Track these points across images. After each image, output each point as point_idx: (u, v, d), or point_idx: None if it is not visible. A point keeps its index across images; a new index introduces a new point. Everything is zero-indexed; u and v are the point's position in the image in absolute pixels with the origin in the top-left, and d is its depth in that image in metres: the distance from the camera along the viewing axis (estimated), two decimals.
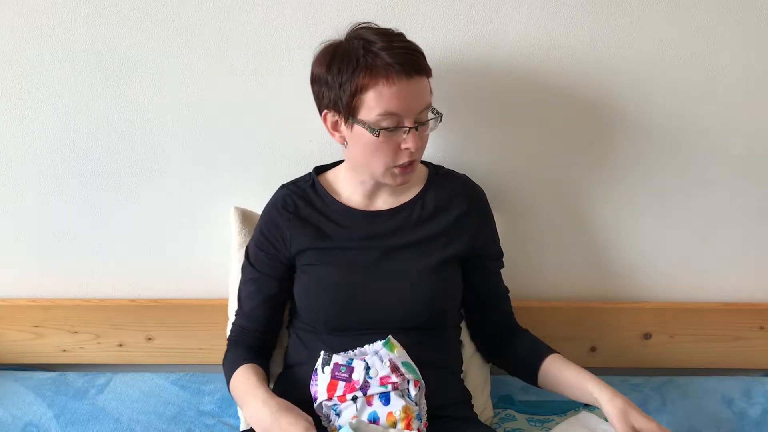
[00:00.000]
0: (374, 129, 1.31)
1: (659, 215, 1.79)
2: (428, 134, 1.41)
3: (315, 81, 1.40)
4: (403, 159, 1.36)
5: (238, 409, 1.65)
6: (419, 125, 1.34)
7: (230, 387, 1.42)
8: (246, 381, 1.36)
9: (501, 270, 1.57)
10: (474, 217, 1.49)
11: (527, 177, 1.75)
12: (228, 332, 1.55)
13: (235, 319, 1.52)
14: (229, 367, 1.43)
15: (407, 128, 1.32)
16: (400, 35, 1.38)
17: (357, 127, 1.34)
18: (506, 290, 1.58)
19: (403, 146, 1.34)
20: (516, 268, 1.79)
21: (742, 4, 1.62)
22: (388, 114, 1.31)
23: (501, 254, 1.57)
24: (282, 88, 1.66)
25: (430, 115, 1.38)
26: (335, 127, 1.40)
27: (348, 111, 1.34)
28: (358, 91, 1.31)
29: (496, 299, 1.55)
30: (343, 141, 1.41)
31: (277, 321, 1.51)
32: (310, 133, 1.69)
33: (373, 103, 1.31)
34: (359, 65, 1.31)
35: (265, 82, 1.66)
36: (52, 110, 1.67)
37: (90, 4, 1.60)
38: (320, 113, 1.42)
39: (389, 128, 1.32)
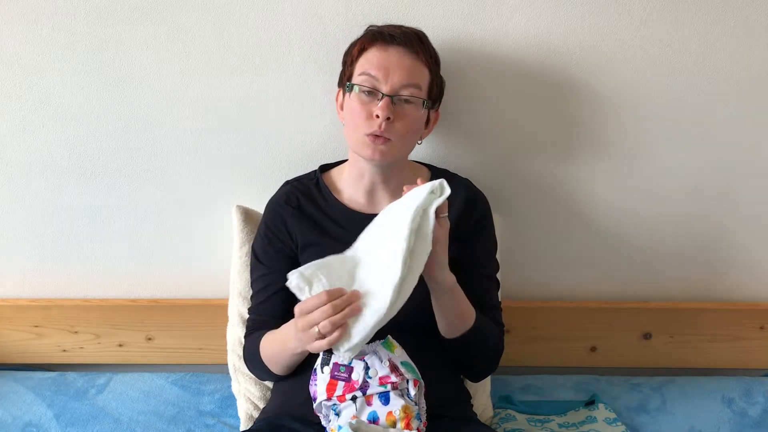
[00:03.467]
0: (350, 86, 1.41)
1: (659, 215, 1.79)
2: (412, 119, 1.40)
3: None
4: (373, 127, 1.38)
5: (238, 408, 1.65)
6: (395, 97, 1.38)
7: (264, 355, 1.41)
8: (273, 333, 1.39)
9: (494, 283, 1.52)
10: (472, 222, 1.48)
11: (527, 177, 1.75)
12: (242, 342, 1.54)
13: (248, 318, 1.51)
14: (252, 347, 1.44)
15: (381, 95, 1.38)
16: (416, 28, 1.47)
17: (347, 94, 1.43)
18: (495, 306, 1.51)
19: (374, 112, 1.38)
20: (516, 268, 1.79)
21: (742, 3, 1.62)
22: (367, 74, 1.40)
23: (494, 269, 1.53)
24: (282, 88, 1.66)
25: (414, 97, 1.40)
26: (342, 105, 1.47)
27: (345, 78, 1.45)
28: (356, 59, 1.43)
29: (480, 310, 1.42)
30: (344, 119, 1.46)
31: (290, 315, 1.50)
32: (311, 133, 1.69)
33: (361, 65, 1.42)
34: (361, 38, 1.46)
35: (265, 82, 1.66)
36: (52, 110, 1.68)
37: (90, 4, 1.60)
38: (336, 98, 1.51)
39: (363, 87, 1.39)
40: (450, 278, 1.32)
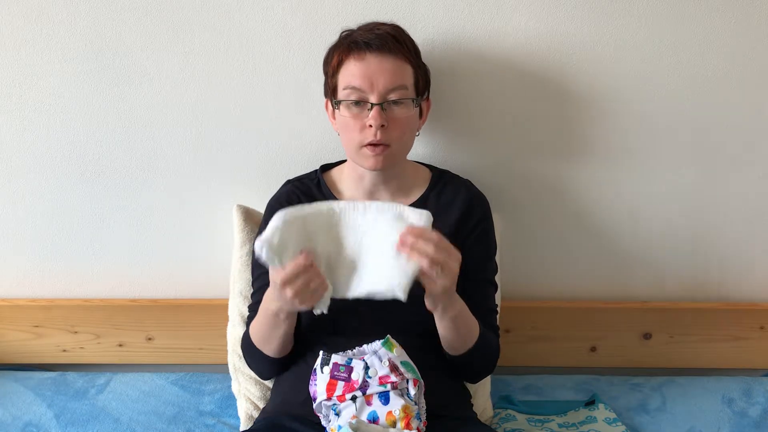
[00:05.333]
0: (337, 102, 1.39)
1: (659, 215, 1.79)
2: (406, 120, 1.40)
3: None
4: (369, 137, 1.37)
5: (238, 408, 1.65)
6: (385, 103, 1.37)
7: (255, 338, 1.41)
8: (258, 315, 1.39)
9: (493, 286, 1.52)
10: (472, 224, 1.48)
11: (527, 177, 1.75)
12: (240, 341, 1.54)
13: (248, 315, 1.52)
14: (246, 338, 1.45)
15: (370, 104, 1.36)
16: (388, 24, 1.44)
17: (336, 109, 1.42)
18: (492, 309, 1.51)
19: (367, 122, 1.37)
20: (516, 268, 1.79)
21: (743, 4, 1.62)
22: (351, 88, 1.38)
23: (492, 272, 1.53)
24: (282, 88, 1.66)
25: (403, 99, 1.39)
26: (333, 114, 1.46)
27: (332, 93, 1.43)
28: (336, 71, 1.41)
29: (476, 313, 1.41)
30: (338, 129, 1.46)
31: None
32: (311, 132, 1.69)
33: (344, 78, 1.39)
34: (336, 47, 1.43)
35: (265, 82, 1.66)
36: (52, 110, 1.68)
37: (90, 4, 1.60)
38: (326, 108, 1.50)
39: (351, 102, 1.38)
40: (452, 310, 1.32)
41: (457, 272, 1.23)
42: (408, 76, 1.41)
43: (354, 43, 1.39)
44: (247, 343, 1.45)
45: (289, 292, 1.21)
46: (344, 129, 1.41)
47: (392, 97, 1.38)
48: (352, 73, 1.38)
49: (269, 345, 1.40)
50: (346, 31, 1.45)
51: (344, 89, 1.39)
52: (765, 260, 1.85)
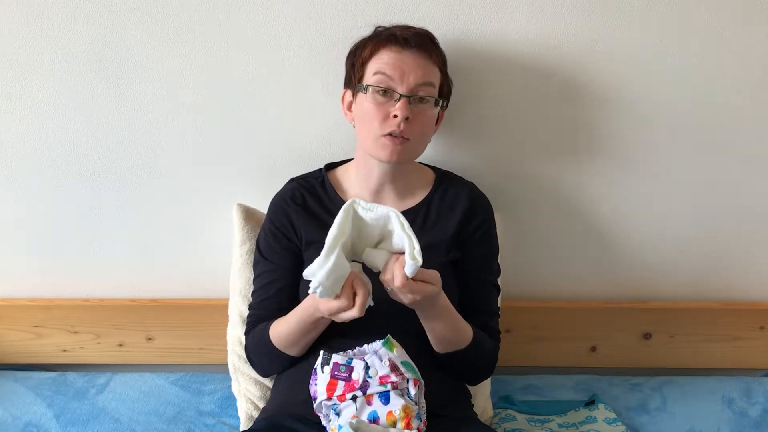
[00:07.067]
0: (364, 87, 1.39)
1: (659, 215, 1.79)
2: (428, 118, 1.42)
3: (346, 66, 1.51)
4: (392, 127, 1.38)
5: (238, 408, 1.65)
6: (412, 97, 1.38)
7: (279, 341, 1.40)
8: (286, 318, 1.39)
9: (494, 288, 1.52)
10: (474, 225, 1.48)
11: (527, 177, 1.75)
12: (243, 339, 1.54)
13: (249, 314, 1.51)
14: (260, 338, 1.44)
15: (398, 95, 1.37)
16: (421, 28, 1.46)
17: (359, 95, 1.42)
18: (493, 312, 1.51)
19: (392, 112, 1.37)
20: (516, 268, 1.79)
21: (742, 4, 1.62)
22: (381, 74, 1.39)
23: (494, 274, 1.53)
24: (282, 88, 1.66)
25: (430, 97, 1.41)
26: (349, 106, 1.47)
27: (356, 80, 1.44)
28: (367, 60, 1.42)
29: (477, 315, 1.45)
30: (353, 120, 1.46)
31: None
32: (311, 132, 1.69)
33: (374, 66, 1.41)
34: (371, 39, 1.45)
35: (265, 82, 1.66)
36: (52, 110, 1.68)
37: (90, 4, 1.60)
38: (342, 99, 1.51)
39: (379, 89, 1.38)
40: (427, 314, 1.33)
41: (412, 300, 1.23)
42: (437, 77, 1.43)
43: (393, 36, 1.41)
44: (261, 346, 1.44)
45: (343, 316, 1.24)
46: (365, 117, 1.41)
47: (420, 92, 1.39)
48: (385, 61, 1.39)
49: (298, 347, 1.41)
50: (380, 27, 1.47)
51: (375, 74, 1.39)
52: (765, 260, 1.85)
